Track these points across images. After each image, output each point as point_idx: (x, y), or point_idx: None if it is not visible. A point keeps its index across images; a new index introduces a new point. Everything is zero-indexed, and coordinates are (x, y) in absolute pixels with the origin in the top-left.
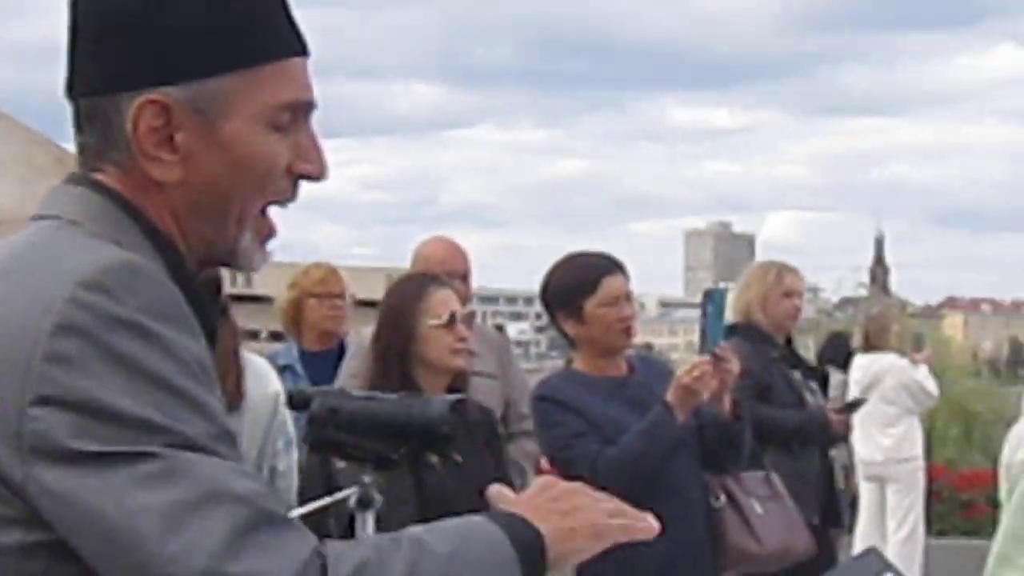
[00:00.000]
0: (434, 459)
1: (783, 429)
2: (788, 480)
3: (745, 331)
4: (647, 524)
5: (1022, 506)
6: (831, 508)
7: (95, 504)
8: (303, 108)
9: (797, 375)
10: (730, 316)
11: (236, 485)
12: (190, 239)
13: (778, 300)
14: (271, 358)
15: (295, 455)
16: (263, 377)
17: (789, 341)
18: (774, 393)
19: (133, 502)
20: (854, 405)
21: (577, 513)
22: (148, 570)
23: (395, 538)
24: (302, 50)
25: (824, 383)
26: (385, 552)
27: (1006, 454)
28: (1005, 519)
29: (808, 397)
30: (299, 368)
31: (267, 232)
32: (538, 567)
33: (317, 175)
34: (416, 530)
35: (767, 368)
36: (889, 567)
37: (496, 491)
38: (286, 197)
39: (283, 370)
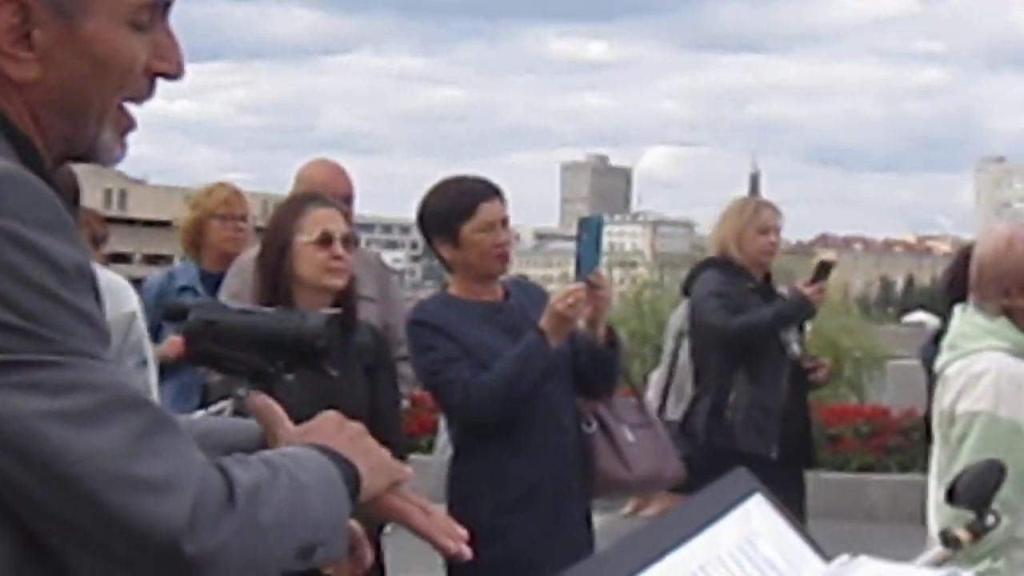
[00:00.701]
0: (289, 376)
1: (762, 324)
2: (748, 410)
3: (720, 264)
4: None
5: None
6: (807, 448)
7: None
8: (161, 6)
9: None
10: (709, 251)
11: (132, 390)
12: (48, 137)
13: (754, 236)
14: (171, 277)
15: (151, 375)
16: (117, 295)
17: (768, 277)
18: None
19: (31, 408)
20: (822, 270)
21: (374, 453)
22: (52, 471)
23: (270, 463)
24: None
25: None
26: (270, 477)
27: (945, 402)
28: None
29: (781, 333)
30: (200, 289)
31: (127, 125)
32: (354, 504)
33: (174, 73)
34: (280, 459)
35: (742, 296)
36: (759, 487)
37: (262, 402)
38: (143, 95)
39: (183, 290)
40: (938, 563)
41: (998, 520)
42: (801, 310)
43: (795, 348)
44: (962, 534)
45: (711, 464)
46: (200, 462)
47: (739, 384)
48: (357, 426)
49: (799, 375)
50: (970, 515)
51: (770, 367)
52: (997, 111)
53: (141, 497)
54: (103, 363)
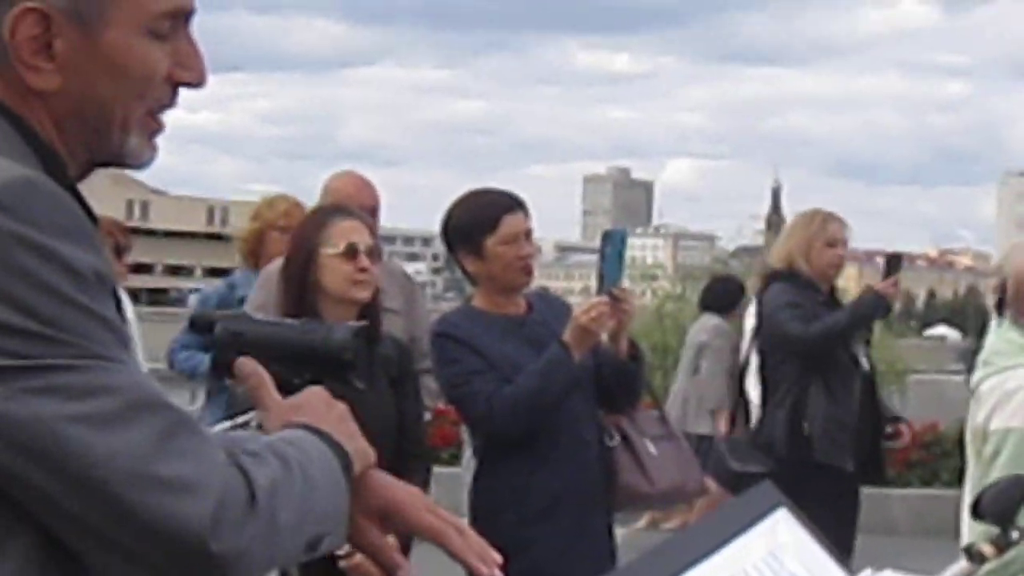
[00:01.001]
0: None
1: (840, 328)
2: (825, 425)
3: (787, 277)
4: None
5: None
6: (876, 462)
7: (8, 415)
8: (183, 15)
9: None
10: (774, 263)
11: (153, 392)
12: (71, 145)
13: (821, 249)
14: (231, 287)
15: None
16: None
17: (833, 291)
18: None
19: (51, 412)
20: (893, 263)
21: (357, 438)
22: (75, 474)
23: (282, 457)
24: None
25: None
26: (284, 474)
27: (979, 419)
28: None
29: (852, 344)
30: None
31: (155, 129)
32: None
33: (196, 82)
34: (288, 450)
35: (812, 307)
36: (784, 501)
37: (251, 367)
38: (165, 104)
39: (243, 300)
40: None
41: (1023, 535)
42: (876, 307)
43: (865, 362)
44: (986, 548)
45: (790, 477)
46: (222, 463)
47: (813, 397)
48: (343, 407)
49: (870, 389)
50: (995, 530)
51: (843, 380)
52: (1021, 124)
53: (164, 497)
54: (123, 365)
